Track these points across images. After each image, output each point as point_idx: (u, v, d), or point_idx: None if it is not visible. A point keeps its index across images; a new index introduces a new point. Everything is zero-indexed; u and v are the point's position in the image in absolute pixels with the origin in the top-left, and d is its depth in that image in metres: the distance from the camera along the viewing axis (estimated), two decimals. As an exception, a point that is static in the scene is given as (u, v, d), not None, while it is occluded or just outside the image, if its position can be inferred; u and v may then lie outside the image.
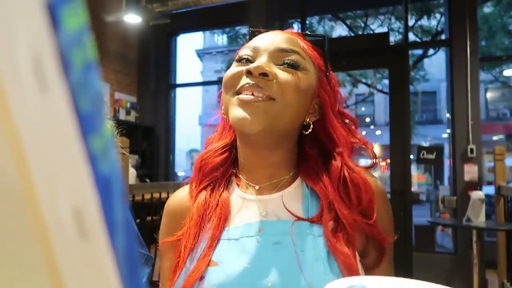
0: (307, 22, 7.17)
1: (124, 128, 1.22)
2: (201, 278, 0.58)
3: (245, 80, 0.61)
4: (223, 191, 0.67)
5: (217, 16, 5.00)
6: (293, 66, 0.62)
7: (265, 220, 0.62)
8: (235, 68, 0.64)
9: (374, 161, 0.70)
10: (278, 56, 0.63)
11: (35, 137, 0.13)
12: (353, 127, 0.71)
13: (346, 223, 0.60)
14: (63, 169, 0.14)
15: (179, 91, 5.60)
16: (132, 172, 3.79)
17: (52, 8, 0.14)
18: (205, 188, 0.68)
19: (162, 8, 4.41)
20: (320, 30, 9.76)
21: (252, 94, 0.59)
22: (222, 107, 0.67)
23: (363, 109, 16.77)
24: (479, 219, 2.85)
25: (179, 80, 5.62)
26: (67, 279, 0.14)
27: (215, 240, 0.61)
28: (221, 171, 0.69)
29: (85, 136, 0.15)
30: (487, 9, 9.65)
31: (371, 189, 0.62)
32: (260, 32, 0.69)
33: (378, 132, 16.14)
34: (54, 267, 0.13)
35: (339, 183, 0.63)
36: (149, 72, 5.42)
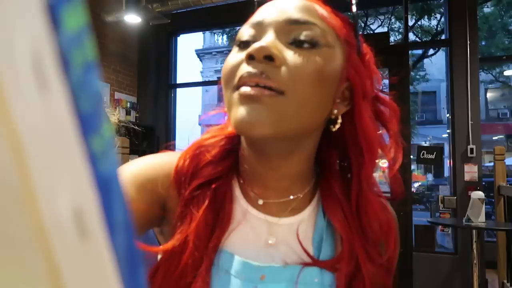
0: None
1: (124, 128, 1.23)
2: None
3: (245, 68, 0.45)
4: (224, 197, 0.51)
5: (217, 16, 5.00)
6: (310, 44, 0.45)
7: (271, 266, 0.48)
8: (234, 55, 0.48)
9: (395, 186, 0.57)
10: (289, 30, 0.46)
11: (35, 137, 0.13)
12: (389, 121, 0.55)
13: (367, 279, 0.48)
14: (63, 169, 0.14)
15: (179, 91, 5.60)
16: (132, 172, 3.78)
17: (52, 8, 0.14)
18: (201, 187, 0.51)
19: (162, 8, 4.41)
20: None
21: (257, 85, 0.44)
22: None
23: (363, 109, 16.74)
24: (479, 219, 2.85)
25: (179, 80, 5.62)
26: (67, 279, 0.13)
27: (210, 269, 0.48)
28: (222, 168, 0.52)
29: (85, 136, 0.15)
30: (487, 9, 9.65)
31: (395, 231, 0.51)
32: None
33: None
34: (54, 267, 0.13)
35: (356, 212, 0.50)
36: (149, 72, 5.42)
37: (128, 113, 5.27)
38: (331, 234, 0.51)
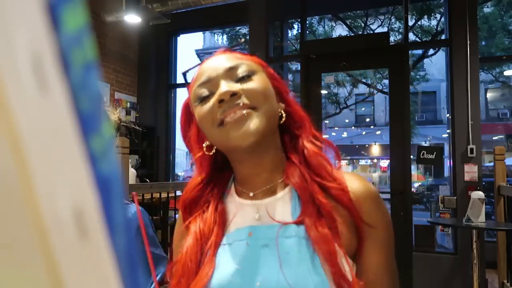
0: (307, 22, 7.17)
1: (124, 127, 1.23)
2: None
3: (221, 110, 0.65)
4: (217, 204, 0.72)
5: (217, 16, 5.00)
6: (248, 75, 0.67)
7: (254, 225, 0.67)
8: (203, 107, 0.67)
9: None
10: (230, 74, 0.67)
11: (35, 137, 0.13)
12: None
13: (325, 212, 0.64)
14: (63, 169, 0.14)
15: (179, 91, 5.60)
16: (132, 172, 3.79)
17: (52, 8, 0.14)
18: (196, 215, 0.73)
19: (162, 8, 4.41)
20: (320, 30, 9.76)
21: (235, 113, 0.64)
22: (204, 144, 0.72)
23: (363, 109, 16.77)
24: (479, 219, 2.85)
25: (179, 80, 5.61)
26: (67, 279, 0.14)
27: (217, 247, 0.68)
28: (205, 199, 0.74)
29: (85, 136, 0.15)
30: (487, 9, 9.65)
31: (326, 157, 0.70)
32: (191, 69, 0.75)
33: (378, 132, 16.14)
34: (54, 267, 0.13)
35: (305, 160, 0.69)
36: (149, 72, 5.42)
37: (128, 113, 5.27)
38: (300, 199, 0.68)
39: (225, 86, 0.65)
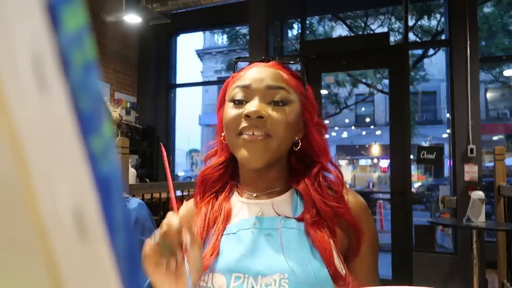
0: (307, 22, 7.17)
1: (126, 126, 1.23)
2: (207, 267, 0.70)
3: (244, 123, 0.72)
4: (224, 199, 0.79)
5: (217, 16, 5.00)
6: (282, 103, 0.74)
7: (258, 216, 0.74)
8: (233, 110, 0.75)
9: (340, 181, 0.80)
10: (268, 94, 0.74)
11: (35, 137, 0.13)
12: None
13: (324, 215, 0.72)
14: (63, 169, 0.14)
15: (179, 91, 5.60)
16: (132, 172, 3.79)
17: (52, 8, 0.14)
18: (208, 199, 0.80)
19: (162, 8, 4.41)
20: (320, 30, 9.76)
21: (253, 134, 0.72)
22: (222, 134, 0.78)
23: (363, 109, 16.77)
24: (479, 219, 2.84)
25: (179, 80, 5.61)
26: (67, 279, 0.13)
27: (220, 235, 0.73)
28: (220, 184, 0.81)
29: (85, 136, 0.15)
30: (487, 9, 9.64)
31: (342, 182, 0.78)
32: (245, 60, 0.83)
33: (378, 132, 16.14)
34: (54, 267, 0.13)
35: (316, 182, 0.76)
36: (149, 72, 5.42)
37: (128, 113, 5.27)
38: (303, 202, 0.75)
39: (257, 105, 0.72)
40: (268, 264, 0.68)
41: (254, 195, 0.79)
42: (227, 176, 0.82)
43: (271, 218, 0.74)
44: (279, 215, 0.74)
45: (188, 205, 0.85)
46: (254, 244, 0.70)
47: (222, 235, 0.73)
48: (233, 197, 0.80)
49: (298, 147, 0.79)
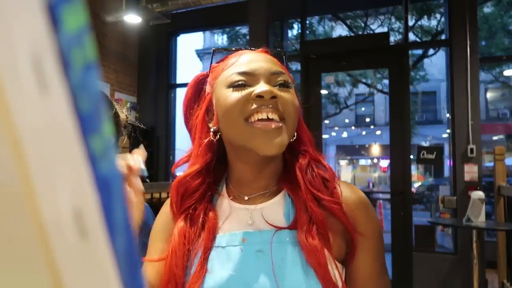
0: (307, 22, 7.17)
1: (130, 125, 1.22)
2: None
3: (255, 104, 0.65)
4: (207, 207, 0.72)
5: (217, 16, 5.00)
6: (286, 86, 0.69)
7: (248, 231, 0.67)
8: (235, 93, 0.67)
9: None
10: (272, 78, 0.68)
11: (35, 137, 0.13)
12: None
13: (316, 219, 0.65)
14: (63, 169, 0.14)
15: (179, 91, 5.60)
16: (132, 172, 3.79)
17: (52, 8, 0.14)
18: (186, 213, 0.72)
19: (162, 8, 4.41)
20: (320, 30, 9.76)
21: (267, 117, 0.65)
22: (212, 129, 0.71)
23: (363, 109, 16.78)
24: (479, 219, 2.85)
25: (179, 80, 5.61)
26: (67, 279, 0.13)
27: (208, 251, 0.67)
28: (199, 193, 0.72)
29: (85, 136, 0.15)
30: (487, 9, 9.65)
31: (333, 172, 0.72)
32: (226, 50, 0.78)
33: (378, 132, 16.15)
34: (54, 267, 0.13)
35: (310, 173, 0.71)
36: (149, 72, 5.42)
37: (128, 113, 5.26)
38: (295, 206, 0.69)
39: (267, 86, 0.66)
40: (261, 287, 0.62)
41: (246, 198, 0.72)
42: (206, 185, 0.73)
43: (261, 233, 0.66)
44: (270, 224, 0.67)
45: (165, 210, 0.78)
46: (244, 264, 0.64)
47: (210, 250, 0.67)
48: (220, 199, 0.74)
49: (295, 137, 0.72)
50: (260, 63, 0.69)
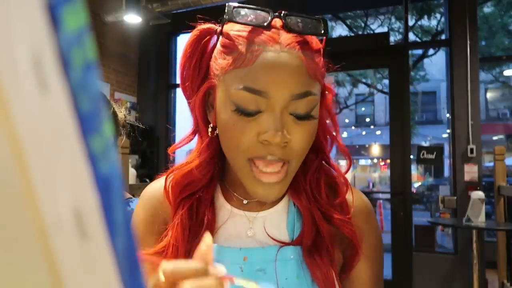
0: (307, 22, 7.14)
1: (129, 125, 1.22)
2: None
3: (260, 147, 0.55)
4: (208, 204, 0.64)
5: (217, 16, 4.99)
6: (307, 118, 0.56)
7: (249, 248, 0.60)
8: (240, 124, 0.55)
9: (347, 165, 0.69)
10: (291, 104, 0.55)
11: (35, 137, 0.13)
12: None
13: (324, 234, 0.60)
14: (63, 169, 0.14)
15: (179, 91, 5.59)
16: (132, 172, 3.79)
17: (52, 8, 0.14)
18: (188, 204, 0.63)
19: (162, 8, 4.41)
20: (320, 30, 9.74)
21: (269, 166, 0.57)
22: (209, 126, 0.62)
23: (363, 109, 16.78)
24: (479, 219, 2.85)
25: (179, 80, 5.61)
26: (67, 279, 0.13)
27: None
28: (202, 185, 0.64)
29: (85, 136, 0.15)
30: (487, 9, 9.65)
31: (347, 183, 0.64)
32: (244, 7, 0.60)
33: (378, 132, 16.15)
34: (54, 267, 0.13)
35: (315, 182, 0.63)
36: (149, 72, 5.42)
37: (128, 113, 5.26)
38: (301, 216, 0.62)
39: (280, 126, 0.53)
40: None
41: (245, 202, 0.64)
42: (209, 176, 0.64)
43: (264, 250, 0.59)
44: (273, 239, 0.60)
45: (150, 201, 0.67)
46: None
47: None
48: (219, 199, 0.66)
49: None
50: (283, 77, 0.53)
